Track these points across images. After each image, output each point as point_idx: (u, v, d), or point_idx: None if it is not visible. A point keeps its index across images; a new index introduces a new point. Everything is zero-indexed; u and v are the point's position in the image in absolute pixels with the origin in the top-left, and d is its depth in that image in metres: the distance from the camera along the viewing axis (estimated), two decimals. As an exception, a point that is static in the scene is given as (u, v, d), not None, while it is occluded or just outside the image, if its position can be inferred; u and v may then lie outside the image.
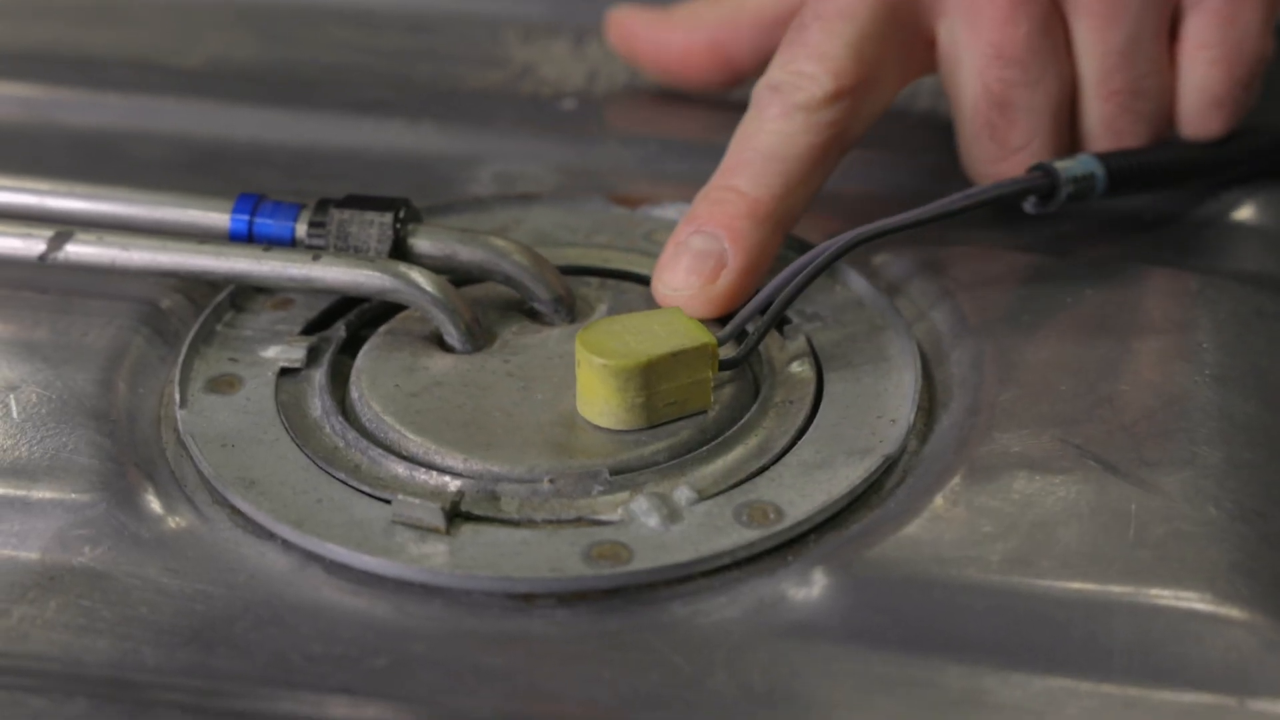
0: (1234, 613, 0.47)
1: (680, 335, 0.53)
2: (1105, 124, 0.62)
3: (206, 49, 0.76)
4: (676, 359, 0.52)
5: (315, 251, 0.56)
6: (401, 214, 0.57)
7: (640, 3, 0.73)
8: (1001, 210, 0.62)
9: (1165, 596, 0.47)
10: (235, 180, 0.65)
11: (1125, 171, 0.60)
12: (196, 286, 0.59)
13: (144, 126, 0.70)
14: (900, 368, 0.56)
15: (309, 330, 0.58)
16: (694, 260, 0.57)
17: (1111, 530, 0.49)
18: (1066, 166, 0.60)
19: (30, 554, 0.49)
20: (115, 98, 0.71)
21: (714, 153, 0.62)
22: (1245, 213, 0.64)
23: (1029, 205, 0.60)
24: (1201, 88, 0.62)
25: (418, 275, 0.56)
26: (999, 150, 0.62)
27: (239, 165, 0.67)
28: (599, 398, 0.52)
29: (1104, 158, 0.60)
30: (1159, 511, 0.49)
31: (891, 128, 0.66)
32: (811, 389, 0.55)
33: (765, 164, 0.58)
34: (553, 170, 0.66)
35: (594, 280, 0.60)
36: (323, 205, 0.58)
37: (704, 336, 0.53)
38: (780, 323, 0.57)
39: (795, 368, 0.56)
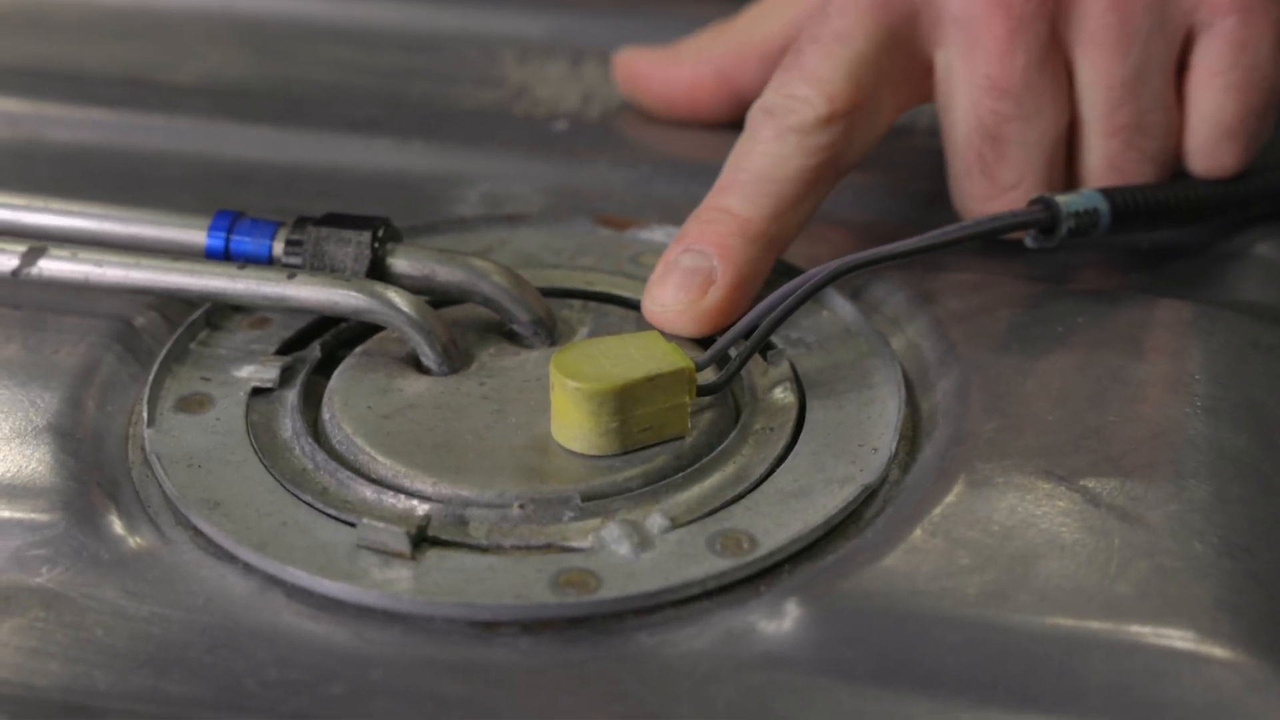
0: (1217, 651, 0.45)
1: (657, 359, 0.51)
2: (1108, 162, 0.60)
3: (200, 65, 0.75)
4: (653, 383, 0.51)
5: (291, 270, 0.55)
6: (380, 233, 0.56)
7: (645, 42, 0.72)
8: (996, 240, 0.60)
9: (1146, 633, 0.46)
10: (222, 198, 0.64)
11: (1131, 208, 0.58)
12: (171, 304, 0.58)
13: (132, 143, 0.69)
14: (885, 396, 0.55)
15: (284, 350, 0.57)
16: (683, 277, 0.56)
17: (1093, 564, 0.47)
18: (1068, 201, 0.58)
19: (-14, 574, 0.48)
20: (104, 114, 0.70)
21: (705, 175, 0.61)
22: (1244, 243, 0.62)
23: (1029, 240, 0.59)
24: (1214, 118, 0.60)
25: (394, 295, 0.55)
26: (989, 187, 0.60)
27: (227, 183, 0.66)
28: (573, 422, 0.51)
29: (1109, 193, 0.58)
30: (1142, 546, 0.48)
31: (891, 153, 0.65)
32: (793, 416, 0.54)
33: (757, 185, 0.57)
34: (541, 191, 0.65)
35: (576, 303, 0.58)
36: (301, 223, 0.57)
37: (681, 361, 0.52)
38: (764, 348, 0.56)
39: (778, 394, 0.55)
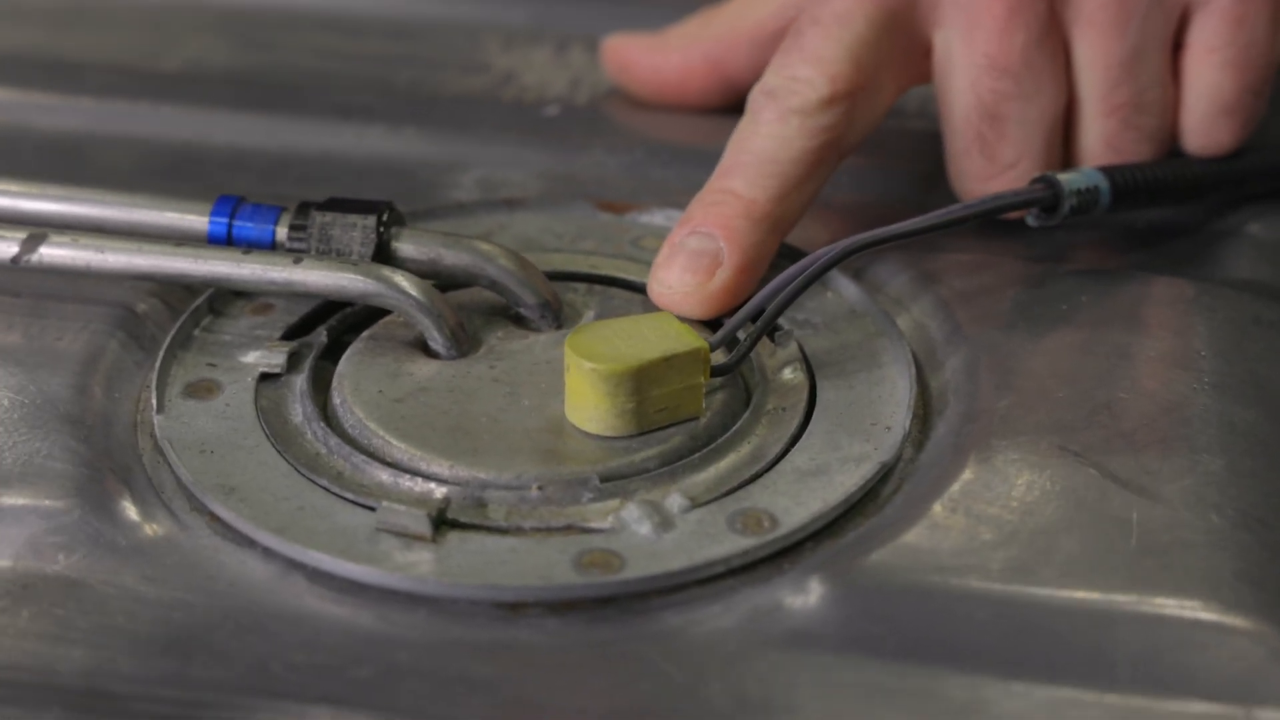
0: (1239, 622, 0.46)
1: (672, 340, 0.51)
2: (1106, 141, 0.60)
3: (183, 53, 0.74)
4: (668, 364, 0.51)
5: (296, 255, 0.55)
6: (385, 217, 0.56)
7: (624, 27, 0.72)
8: (995, 220, 0.60)
9: (1170, 605, 0.46)
10: (213, 185, 0.64)
11: (1130, 186, 0.59)
12: (173, 291, 0.57)
13: (120, 131, 0.68)
14: (894, 375, 0.55)
15: (289, 335, 0.56)
16: (689, 259, 0.56)
17: (1113, 538, 0.48)
18: (1069, 179, 0.58)
19: (2, 561, 0.48)
20: (90, 102, 0.69)
21: (700, 159, 0.61)
22: (1237, 222, 0.63)
23: (1031, 218, 0.59)
24: (1211, 94, 0.60)
25: (401, 279, 0.54)
26: (988, 166, 0.60)
27: (216, 170, 0.66)
28: (589, 403, 0.51)
29: (1109, 171, 0.59)
30: (1161, 520, 0.48)
31: (881, 135, 0.65)
32: (804, 396, 0.54)
33: (761, 167, 0.57)
34: (536, 176, 0.65)
35: (580, 286, 0.58)
36: (304, 208, 0.57)
37: (696, 341, 0.52)
38: (771, 330, 0.56)
39: (787, 374, 0.55)
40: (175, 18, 0.77)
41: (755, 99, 0.59)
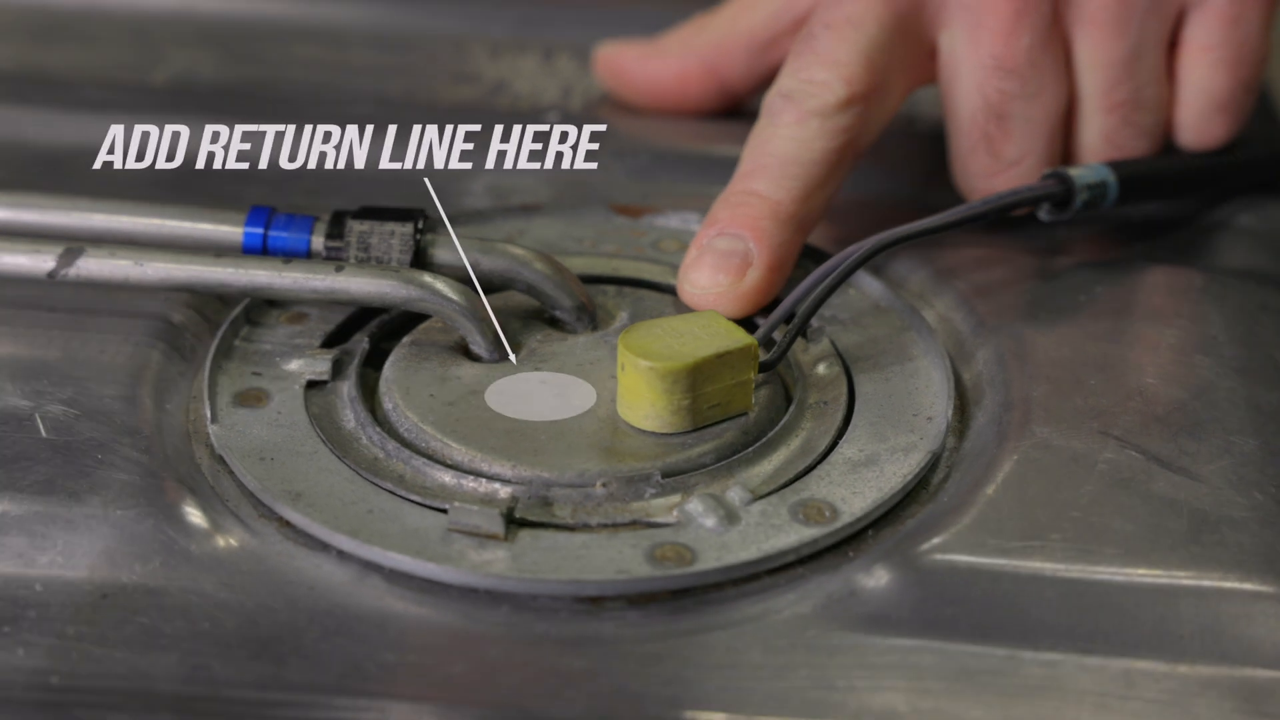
0: (1295, 594, 0.48)
1: (722, 337, 0.53)
2: (1105, 137, 0.63)
3: (170, 68, 0.74)
4: (721, 360, 0.52)
5: (337, 263, 0.56)
6: (420, 224, 0.57)
7: (601, 35, 0.73)
8: (994, 218, 0.62)
9: (1230, 580, 0.48)
10: (223, 197, 0.64)
11: (1135, 180, 0.61)
12: (208, 302, 0.58)
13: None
14: (927, 367, 0.56)
15: (328, 343, 0.57)
16: (719, 259, 0.57)
17: (1166, 518, 0.50)
18: (1080, 174, 0.60)
19: (78, 573, 0.48)
20: (87, 115, 0.69)
21: (705, 163, 0.63)
22: (1228, 214, 0.65)
23: (1044, 213, 0.61)
24: (1206, 90, 0.63)
25: (444, 285, 0.55)
26: (993, 163, 0.62)
27: (225, 182, 0.66)
28: (644, 401, 0.52)
29: (1115, 166, 0.61)
30: (1207, 499, 0.50)
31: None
32: (844, 389, 0.55)
33: (783, 168, 0.58)
34: (545, 183, 0.66)
35: (610, 288, 0.59)
36: (338, 217, 0.57)
37: (745, 338, 0.53)
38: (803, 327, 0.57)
39: (822, 369, 0.56)
40: (156, 32, 0.77)
41: (773, 102, 0.60)
